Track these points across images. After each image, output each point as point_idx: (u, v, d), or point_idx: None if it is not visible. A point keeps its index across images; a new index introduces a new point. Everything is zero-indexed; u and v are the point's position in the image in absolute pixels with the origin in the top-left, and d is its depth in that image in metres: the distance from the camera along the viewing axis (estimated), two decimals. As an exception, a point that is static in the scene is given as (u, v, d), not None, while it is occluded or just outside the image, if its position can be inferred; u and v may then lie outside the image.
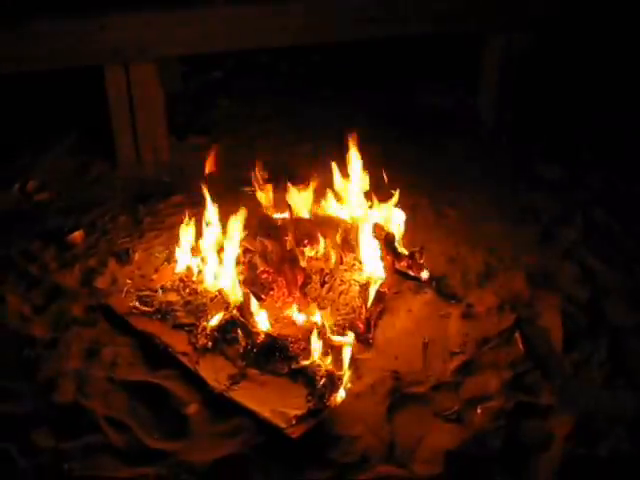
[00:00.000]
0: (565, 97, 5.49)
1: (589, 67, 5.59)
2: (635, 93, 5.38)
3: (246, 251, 3.28)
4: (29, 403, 2.77)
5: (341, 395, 2.70)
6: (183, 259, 3.41)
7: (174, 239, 3.60)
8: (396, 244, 3.44)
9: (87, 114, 5.12)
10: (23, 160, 4.77)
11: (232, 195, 4.27)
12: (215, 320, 3.01)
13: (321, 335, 2.82)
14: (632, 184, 4.55)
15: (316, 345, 2.80)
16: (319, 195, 3.68)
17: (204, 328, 2.99)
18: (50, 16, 4.29)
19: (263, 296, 3.10)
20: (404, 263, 3.43)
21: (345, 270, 3.30)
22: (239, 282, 3.12)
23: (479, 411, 2.70)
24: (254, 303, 2.97)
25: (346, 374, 2.75)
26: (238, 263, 3.23)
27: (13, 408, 2.74)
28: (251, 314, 2.94)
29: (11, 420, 2.69)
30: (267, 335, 2.91)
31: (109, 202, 4.32)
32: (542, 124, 5.28)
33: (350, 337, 2.87)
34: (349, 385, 2.75)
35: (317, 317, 2.94)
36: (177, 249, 3.45)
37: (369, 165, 3.67)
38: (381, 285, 3.18)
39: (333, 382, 2.70)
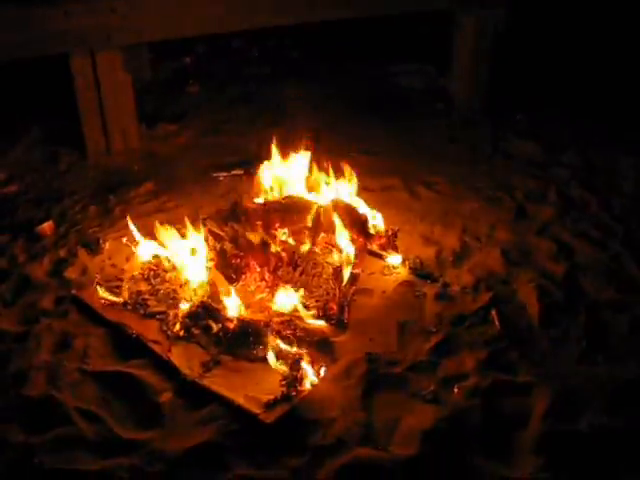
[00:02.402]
0: (540, 75, 5.50)
1: (565, 44, 5.60)
2: (611, 72, 5.39)
3: (216, 237, 3.22)
4: (-1, 398, 2.72)
5: (312, 379, 2.66)
6: (151, 247, 3.36)
7: (145, 227, 3.55)
8: (369, 225, 3.41)
9: (55, 104, 5.03)
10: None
11: (203, 180, 4.26)
12: (185, 306, 2.96)
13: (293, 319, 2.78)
14: (608, 160, 4.54)
15: (288, 329, 2.76)
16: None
17: (175, 315, 2.95)
18: (16, 4, 4.19)
19: (234, 276, 3.04)
20: (378, 244, 3.40)
21: (318, 253, 3.26)
22: (208, 268, 3.07)
23: (456, 390, 2.68)
24: (223, 288, 2.93)
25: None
26: (208, 249, 3.19)
27: (-18, 403, 2.69)
28: (220, 300, 2.90)
29: (-20, 416, 2.63)
30: (239, 320, 2.86)
31: (79, 192, 4.26)
32: (516, 102, 5.28)
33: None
34: (323, 368, 2.71)
35: (290, 300, 2.90)
36: (144, 239, 3.40)
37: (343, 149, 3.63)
38: (354, 266, 3.15)
39: (305, 366, 2.66)
